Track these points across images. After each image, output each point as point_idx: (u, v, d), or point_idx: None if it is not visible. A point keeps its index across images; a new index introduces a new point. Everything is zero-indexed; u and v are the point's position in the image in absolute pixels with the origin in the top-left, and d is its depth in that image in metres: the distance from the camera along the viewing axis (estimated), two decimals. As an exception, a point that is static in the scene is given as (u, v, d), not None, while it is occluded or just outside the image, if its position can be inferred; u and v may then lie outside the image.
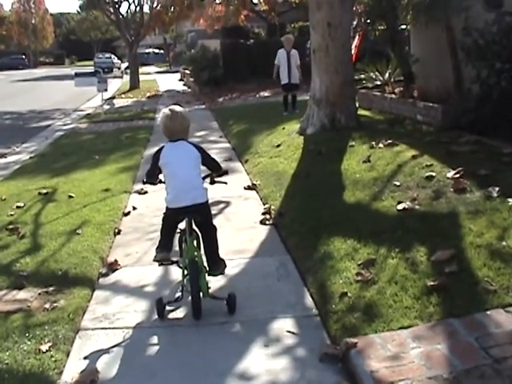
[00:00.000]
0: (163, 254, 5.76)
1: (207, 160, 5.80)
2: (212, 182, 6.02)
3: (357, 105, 13.72)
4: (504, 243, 5.73)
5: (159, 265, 6.06)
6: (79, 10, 63.79)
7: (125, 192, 10.16)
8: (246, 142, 13.92)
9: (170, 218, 5.73)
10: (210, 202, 5.78)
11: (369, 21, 15.07)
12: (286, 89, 17.28)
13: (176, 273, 6.35)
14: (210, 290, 5.62)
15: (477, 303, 4.90)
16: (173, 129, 5.66)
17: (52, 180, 11.37)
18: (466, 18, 11.05)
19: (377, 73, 15.97)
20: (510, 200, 6.61)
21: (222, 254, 5.85)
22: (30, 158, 14.62)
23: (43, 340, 5.09)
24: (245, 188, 10.07)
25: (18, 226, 8.29)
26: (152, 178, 5.85)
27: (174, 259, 5.94)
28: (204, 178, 5.82)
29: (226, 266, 5.87)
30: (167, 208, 5.69)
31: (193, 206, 5.53)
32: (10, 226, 8.32)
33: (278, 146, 12.40)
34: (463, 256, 5.69)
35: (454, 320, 4.74)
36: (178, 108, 5.81)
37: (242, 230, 7.97)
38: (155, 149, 5.88)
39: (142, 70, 47.34)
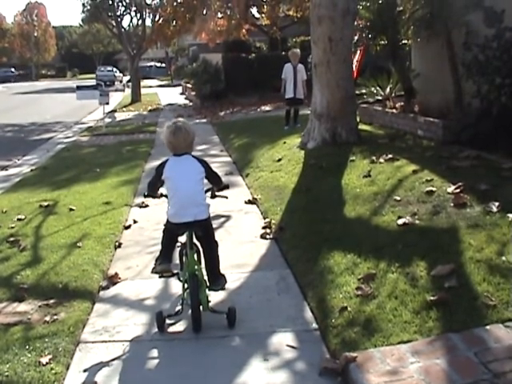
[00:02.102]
0: (163, 266, 5.76)
1: (210, 175, 5.80)
2: (213, 197, 6.02)
3: (358, 119, 13.74)
4: (504, 258, 5.74)
5: (159, 277, 6.06)
6: (81, 23, 63.53)
7: (126, 205, 10.17)
8: (246, 156, 13.95)
9: (171, 231, 5.75)
10: (210, 215, 5.79)
11: (370, 36, 15.09)
12: (289, 103, 17.23)
13: (176, 286, 6.35)
14: (210, 304, 5.62)
15: (476, 318, 4.91)
16: (176, 144, 5.65)
17: (53, 193, 11.40)
18: (467, 34, 11.11)
19: (378, 88, 15.99)
20: (509, 215, 6.62)
21: (222, 267, 5.86)
22: (31, 170, 14.66)
23: (43, 352, 5.10)
24: (245, 202, 10.08)
25: (19, 239, 8.31)
26: (153, 190, 5.85)
27: (174, 271, 5.95)
28: (205, 192, 5.82)
29: (226, 282, 5.87)
30: (168, 221, 5.71)
31: (194, 222, 5.55)
32: (11, 239, 8.33)
33: (279, 160, 12.43)
34: (463, 271, 5.69)
35: (454, 335, 4.75)
36: (182, 122, 5.79)
37: (242, 243, 7.98)
38: (156, 162, 5.91)
39: (143, 83, 47.46)
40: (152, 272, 5.93)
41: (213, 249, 5.75)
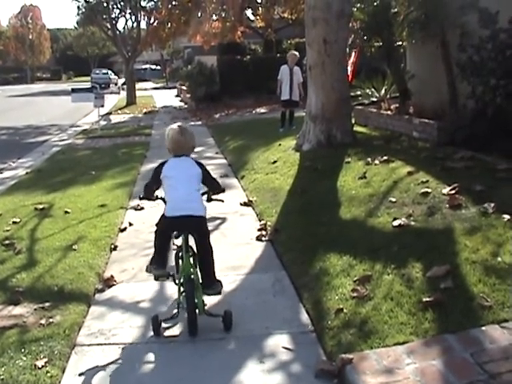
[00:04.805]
0: (159, 271, 5.74)
1: (208, 179, 5.82)
2: (209, 200, 5.99)
3: (353, 121, 13.73)
4: (499, 259, 5.74)
5: (155, 279, 6.04)
6: (76, 25, 63.63)
7: (121, 208, 10.15)
8: (242, 159, 13.95)
9: (165, 229, 5.70)
10: (206, 217, 5.78)
11: (365, 37, 15.11)
12: (285, 105, 17.24)
13: (172, 289, 6.33)
14: (205, 307, 5.61)
15: (472, 319, 4.91)
16: (182, 144, 5.71)
17: (48, 195, 11.38)
18: (462, 35, 11.11)
19: (373, 89, 16.01)
20: (505, 216, 6.63)
21: (217, 270, 5.82)
22: (27, 173, 14.62)
23: (39, 356, 5.09)
24: (241, 204, 10.07)
25: (14, 242, 8.30)
26: (149, 191, 5.85)
27: (171, 272, 5.93)
28: (202, 195, 5.81)
29: (222, 287, 5.83)
30: (164, 217, 5.65)
31: (191, 217, 5.51)
32: (6, 242, 8.32)
33: (274, 162, 12.42)
34: (458, 272, 5.70)
35: (450, 336, 4.75)
36: (185, 125, 5.91)
37: (237, 246, 7.98)
38: (152, 165, 5.92)
39: (138, 85, 47.43)
40: (146, 271, 5.92)
41: (208, 252, 5.71)
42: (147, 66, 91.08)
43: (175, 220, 5.55)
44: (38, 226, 9.15)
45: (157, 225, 5.81)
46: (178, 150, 5.72)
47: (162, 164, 5.72)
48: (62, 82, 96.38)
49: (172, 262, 6.01)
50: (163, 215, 5.69)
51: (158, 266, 5.73)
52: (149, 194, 5.89)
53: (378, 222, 7.59)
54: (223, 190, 6.09)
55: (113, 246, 8.22)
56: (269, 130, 17.36)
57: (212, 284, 5.71)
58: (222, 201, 6.19)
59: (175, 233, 5.72)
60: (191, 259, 5.59)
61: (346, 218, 8.13)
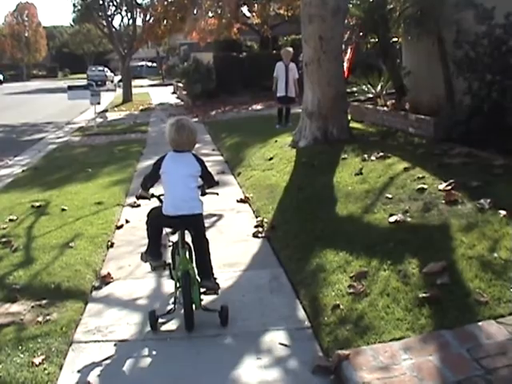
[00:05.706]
0: (157, 263, 5.91)
1: (205, 175, 5.81)
2: (203, 194, 6.00)
3: (349, 117, 13.75)
4: (495, 255, 5.76)
5: (152, 269, 6.09)
6: (72, 23, 63.42)
7: (118, 205, 10.15)
8: (238, 155, 13.94)
9: (161, 224, 5.75)
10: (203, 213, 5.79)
11: (361, 34, 15.11)
12: (281, 101, 17.25)
13: (168, 285, 6.35)
14: (202, 302, 5.62)
15: (468, 314, 4.92)
16: (180, 142, 5.67)
17: (45, 193, 11.37)
18: (458, 31, 11.11)
19: (369, 85, 16.01)
20: (501, 212, 6.64)
21: (214, 266, 5.83)
22: (23, 171, 14.60)
23: (36, 353, 5.09)
24: (237, 201, 10.07)
25: (11, 239, 8.29)
26: (146, 184, 5.88)
27: (167, 261, 5.96)
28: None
29: (219, 288, 5.85)
30: (162, 215, 5.66)
31: (189, 216, 5.54)
32: (3, 239, 8.31)
33: (271, 159, 12.43)
34: (455, 268, 5.71)
35: (446, 331, 4.76)
36: (185, 119, 5.88)
37: (234, 242, 7.98)
38: (148, 162, 5.91)
39: (134, 82, 47.33)
40: (141, 260, 6.06)
41: (204, 247, 5.73)
42: (143, 63, 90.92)
43: (173, 219, 5.57)
44: (34, 224, 9.15)
45: (148, 215, 5.85)
46: (178, 147, 5.71)
47: (161, 158, 5.71)
48: (57, 80, 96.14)
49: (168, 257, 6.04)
50: (156, 208, 5.75)
51: (153, 257, 5.86)
52: (145, 188, 5.90)
53: (375, 218, 7.59)
54: (217, 183, 6.08)
55: (109, 243, 8.22)
56: (265, 127, 17.36)
57: (209, 277, 5.72)
58: (217, 194, 6.19)
59: (171, 229, 5.77)
60: (187, 254, 5.61)
61: (343, 214, 8.14)
